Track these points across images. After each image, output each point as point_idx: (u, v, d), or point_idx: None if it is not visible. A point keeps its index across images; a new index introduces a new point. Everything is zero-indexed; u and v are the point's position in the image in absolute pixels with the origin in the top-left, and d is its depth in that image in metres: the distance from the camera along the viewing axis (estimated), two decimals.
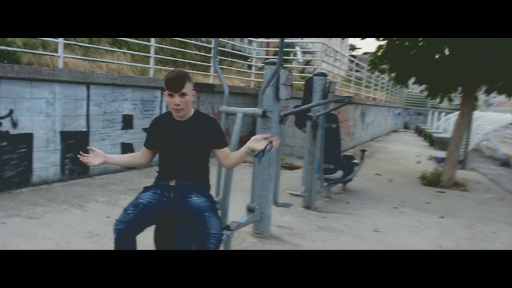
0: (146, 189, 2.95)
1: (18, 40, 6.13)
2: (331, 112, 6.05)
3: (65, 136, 5.90)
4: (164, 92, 2.85)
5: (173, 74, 2.80)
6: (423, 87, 8.99)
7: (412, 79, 8.78)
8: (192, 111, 2.97)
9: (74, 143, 6.02)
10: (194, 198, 2.82)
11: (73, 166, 6.04)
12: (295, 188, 5.96)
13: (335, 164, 6.09)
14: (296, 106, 5.36)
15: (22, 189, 5.31)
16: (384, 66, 8.96)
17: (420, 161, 11.52)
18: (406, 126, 28.15)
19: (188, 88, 2.81)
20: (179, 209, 2.80)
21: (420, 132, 22.06)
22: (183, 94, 2.79)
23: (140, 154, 3.07)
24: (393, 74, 9.14)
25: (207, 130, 2.91)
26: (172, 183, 2.88)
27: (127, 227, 2.68)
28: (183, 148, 2.88)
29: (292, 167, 8.61)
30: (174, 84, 2.77)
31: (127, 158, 3.15)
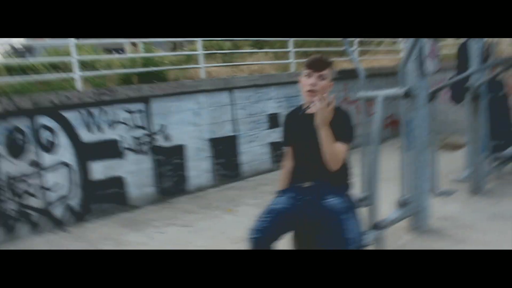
0: (280, 193, 2.77)
1: (166, 59, 6.51)
2: (496, 78, 5.18)
3: (214, 142, 6.10)
4: (299, 78, 2.64)
5: (316, 56, 2.63)
6: None
7: None
8: None
9: (223, 148, 6.19)
10: (330, 200, 2.54)
11: (224, 171, 6.22)
12: (461, 170, 5.25)
13: (506, 139, 5.22)
14: (451, 79, 4.71)
15: (179, 198, 5.62)
16: None
17: None
18: None
19: (328, 73, 2.58)
20: (315, 213, 2.54)
21: None
22: (322, 77, 2.55)
23: (288, 162, 2.81)
24: None
25: (335, 122, 2.60)
26: (307, 184, 2.65)
27: (262, 236, 2.52)
28: (315, 144, 2.61)
29: (456, 146, 7.71)
30: (315, 62, 2.57)
31: (286, 177, 2.83)
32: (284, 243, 2.67)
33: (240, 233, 4.13)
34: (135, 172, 5.27)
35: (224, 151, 6.21)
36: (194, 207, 5.17)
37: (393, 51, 10.78)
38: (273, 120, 6.89)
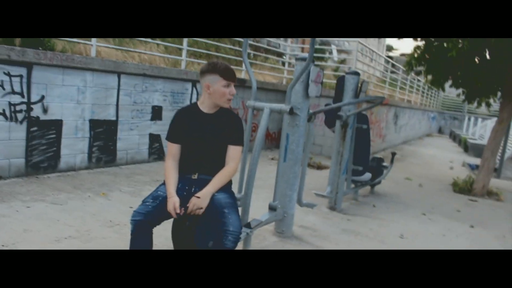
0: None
1: None
2: (362, 112, 5.89)
3: (94, 124, 5.94)
4: (206, 84, 2.79)
5: (227, 65, 2.84)
6: (460, 90, 8.69)
7: (449, 82, 8.50)
8: None
9: (102, 131, 6.06)
10: (215, 194, 2.75)
11: (100, 155, 6.09)
12: (321, 188, 5.83)
13: (364, 166, 5.93)
14: (327, 105, 5.24)
15: (49, 175, 5.38)
16: (420, 68, 8.72)
17: (453, 167, 11.18)
18: (440, 131, 27.47)
19: None
20: None
21: (454, 137, 21.47)
22: (234, 85, 2.86)
23: (173, 162, 2.86)
24: (429, 76, 8.87)
25: (229, 125, 2.87)
26: (194, 177, 2.84)
27: (144, 219, 2.63)
28: (209, 141, 2.82)
29: (320, 167, 8.48)
30: (232, 74, 2.82)
31: (176, 173, 2.87)
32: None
33: (112, 216, 4.16)
34: (4, 140, 4.92)
35: (103, 135, 6.08)
36: (65, 186, 5.00)
37: (277, 69, 11.46)
38: (156, 112, 6.92)
